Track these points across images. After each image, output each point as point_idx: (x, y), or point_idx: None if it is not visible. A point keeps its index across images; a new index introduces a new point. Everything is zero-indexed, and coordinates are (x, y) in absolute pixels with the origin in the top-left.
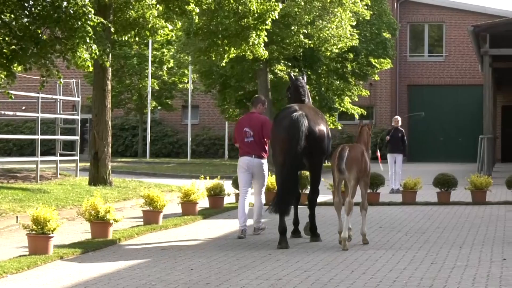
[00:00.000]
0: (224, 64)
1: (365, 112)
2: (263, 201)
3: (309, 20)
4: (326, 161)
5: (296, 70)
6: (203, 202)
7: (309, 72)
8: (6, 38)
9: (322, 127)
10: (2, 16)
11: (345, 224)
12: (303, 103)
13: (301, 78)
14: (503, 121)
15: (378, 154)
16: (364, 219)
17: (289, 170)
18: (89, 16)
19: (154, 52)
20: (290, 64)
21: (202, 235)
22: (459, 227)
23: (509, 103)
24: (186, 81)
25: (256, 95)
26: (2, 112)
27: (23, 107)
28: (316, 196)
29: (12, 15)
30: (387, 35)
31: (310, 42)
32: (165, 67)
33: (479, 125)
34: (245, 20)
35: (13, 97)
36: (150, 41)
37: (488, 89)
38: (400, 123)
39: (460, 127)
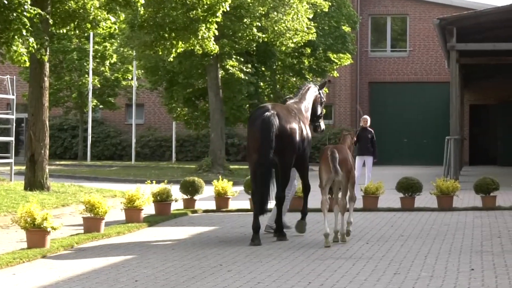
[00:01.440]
0: (171, 60)
1: (324, 111)
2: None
3: (263, 12)
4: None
5: (249, 66)
6: (149, 209)
7: (262, 68)
8: None
9: (293, 126)
10: None
11: (341, 223)
12: (284, 103)
13: (309, 84)
14: (471, 121)
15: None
16: (351, 209)
17: (262, 169)
18: (25, 6)
19: (96, 47)
20: (242, 59)
21: (147, 244)
22: (424, 235)
23: (477, 102)
24: (130, 77)
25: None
26: None
27: None
28: (289, 196)
29: None
30: (346, 28)
31: (264, 35)
32: (107, 63)
33: (446, 125)
34: (194, 12)
35: None
36: (92, 34)
37: (455, 86)
38: (369, 123)
39: (425, 128)
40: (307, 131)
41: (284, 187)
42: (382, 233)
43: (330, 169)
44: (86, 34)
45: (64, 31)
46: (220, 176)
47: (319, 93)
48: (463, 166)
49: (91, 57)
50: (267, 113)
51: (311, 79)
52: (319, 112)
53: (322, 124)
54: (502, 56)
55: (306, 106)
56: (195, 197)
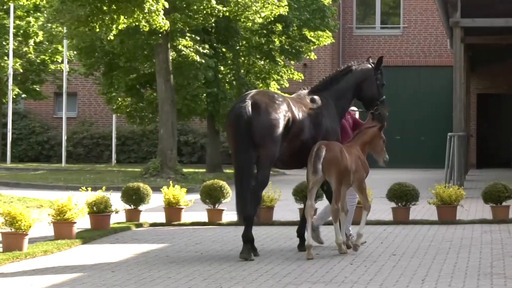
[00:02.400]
0: (111, 38)
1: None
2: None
3: None
4: None
5: (207, 46)
6: (83, 222)
7: (223, 49)
8: None
9: (272, 116)
10: None
11: (336, 231)
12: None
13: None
14: (479, 114)
15: None
16: (364, 219)
17: (239, 164)
18: None
19: (17, 22)
20: (198, 38)
21: (81, 265)
22: (421, 254)
23: (486, 91)
24: (60, 60)
25: None
26: None
27: None
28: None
29: None
30: (326, 0)
31: (225, 9)
32: (31, 42)
33: (448, 119)
34: None
35: None
36: (12, 6)
37: (459, 71)
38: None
39: (423, 122)
40: (322, 123)
41: (260, 184)
42: (370, 251)
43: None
44: (4, 7)
45: None
46: (171, 182)
47: (372, 74)
48: (469, 170)
49: (11, 35)
50: (240, 104)
51: (282, 61)
52: (369, 96)
53: (384, 110)
54: None
55: (336, 93)
56: (140, 208)
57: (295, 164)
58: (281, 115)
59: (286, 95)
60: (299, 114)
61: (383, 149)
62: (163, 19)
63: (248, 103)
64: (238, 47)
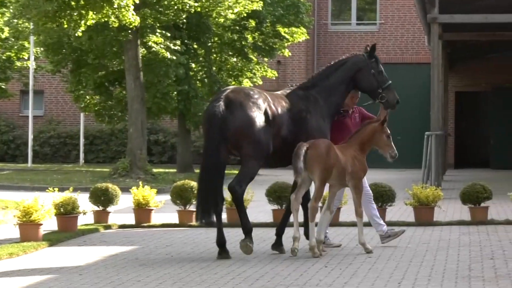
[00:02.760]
0: (79, 34)
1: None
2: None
3: None
4: None
5: (178, 42)
6: (50, 224)
7: (195, 46)
8: None
9: (247, 114)
10: None
11: (311, 231)
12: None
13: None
14: (457, 113)
15: None
16: (360, 226)
17: (207, 167)
18: None
19: None
20: (169, 34)
21: (48, 268)
22: (397, 256)
23: (464, 88)
24: (26, 57)
25: None
26: None
27: None
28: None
29: None
30: None
31: (196, 4)
32: None
33: (425, 118)
34: None
35: None
36: None
37: (437, 69)
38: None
39: (399, 121)
40: (307, 120)
41: (240, 178)
42: (345, 253)
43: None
44: None
45: None
46: (140, 182)
47: (365, 64)
48: (447, 170)
49: None
50: (213, 103)
51: (255, 59)
52: (366, 87)
53: (391, 96)
54: (496, 30)
55: (327, 90)
56: (109, 209)
57: (278, 163)
58: (257, 113)
59: (276, 92)
60: (278, 111)
61: (389, 144)
62: (133, 14)
63: (222, 101)
64: (210, 44)
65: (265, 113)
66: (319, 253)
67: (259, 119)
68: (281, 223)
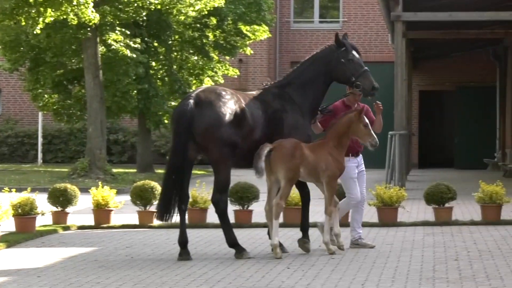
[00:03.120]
0: (37, 32)
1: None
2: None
3: None
4: None
5: (138, 40)
6: (7, 224)
7: (155, 44)
8: None
9: (215, 113)
10: None
11: (274, 230)
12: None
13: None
14: (421, 112)
15: None
16: (327, 225)
17: (174, 165)
18: None
19: None
20: (129, 32)
21: (5, 270)
22: (360, 258)
23: (428, 87)
24: None
25: None
26: None
27: None
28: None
29: None
30: None
31: (156, 2)
32: None
33: (389, 117)
34: None
35: None
36: None
37: (401, 67)
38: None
39: None
40: (283, 119)
41: (218, 188)
42: (307, 255)
43: (269, 170)
44: None
45: None
46: (100, 183)
47: (333, 55)
48: (410, 170)
49: None
50: (183, 101)
51: (216, 57)
52: (339, 77)
53: (367, 83)
54: (461, 28)
55: (302, 86)
56: (68, 210)
57: (251, 164)
58: (226, 113)
59: (251, 92)
60: (250, 112)
61: (368, 133)
62: (92, 12)
63: (192, 99)
64: (170, 42)
65: (235, 114)
66: (281, 255)
67: (228, 119)
68: (302, 218)
